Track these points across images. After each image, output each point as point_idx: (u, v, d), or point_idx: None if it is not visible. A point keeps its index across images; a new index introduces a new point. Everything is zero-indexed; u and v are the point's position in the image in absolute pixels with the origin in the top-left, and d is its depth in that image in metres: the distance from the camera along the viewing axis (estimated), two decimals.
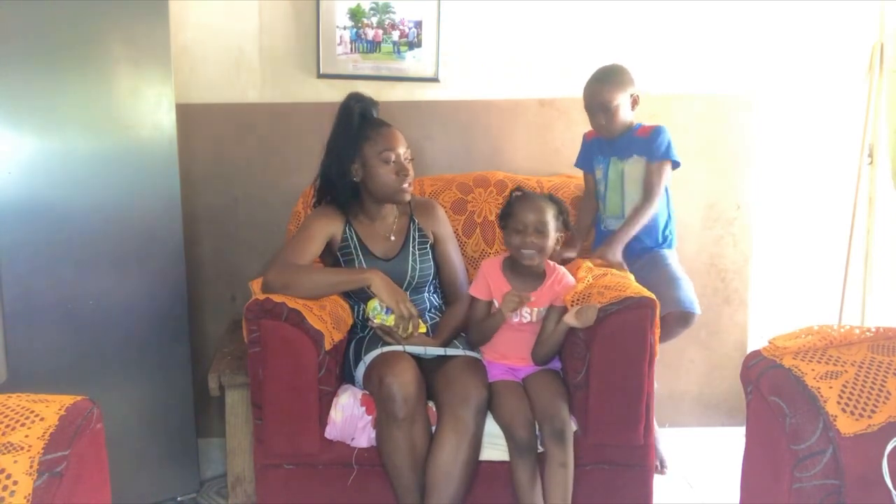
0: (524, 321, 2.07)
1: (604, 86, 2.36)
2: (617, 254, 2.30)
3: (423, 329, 2.13)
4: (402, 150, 2.15)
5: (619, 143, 2.43)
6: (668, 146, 2.36)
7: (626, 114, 2.39)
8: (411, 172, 2.17)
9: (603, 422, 1.96)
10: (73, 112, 2.14)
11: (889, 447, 1.20)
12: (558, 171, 2.67)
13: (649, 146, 2.36)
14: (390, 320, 2.06)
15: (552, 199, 2.10)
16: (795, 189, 2.79)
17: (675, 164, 2.38)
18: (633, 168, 2.41)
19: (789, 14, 2.67)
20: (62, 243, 2.14)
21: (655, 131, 2.37)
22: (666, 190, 2.41)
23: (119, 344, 2.26)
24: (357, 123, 2.16)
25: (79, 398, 1.26)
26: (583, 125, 2.45)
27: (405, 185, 2.15)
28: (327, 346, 1.99)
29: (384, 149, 2.13)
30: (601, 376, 1.97)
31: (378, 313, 2.08)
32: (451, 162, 2.70)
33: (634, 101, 2.40)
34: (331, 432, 2.02)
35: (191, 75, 2.57)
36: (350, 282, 2.12)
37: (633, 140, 2.40)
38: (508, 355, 2.08)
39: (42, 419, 1.18)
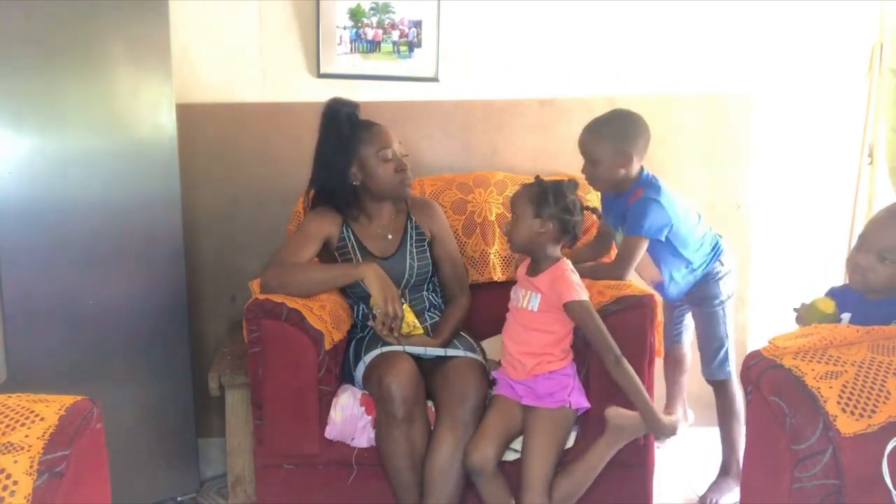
0: (517, 305, 2.03)
1: (588, 135, 2.21)
2: None
3: (419, 331, 2.13)
4: (397, 146, 2.17)
5: (615, 208, 2.28)
6: (644, 224, 2.15)
7: (613, 169, 2.18)
8: (408, 166, 2.19)
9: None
10: (73, 112, 2.14)
11: (889, 447, 1.20)
12: (558, 171, 2.66)
13: (627, 218, 2.20)
14: None
15: (536, 183, 2.00)
16: (795, 189, 2.78)
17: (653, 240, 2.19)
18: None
19: (789, 14, 2.66)
20: (62, 243, 2.14)
21: (637, 203, 2.16)
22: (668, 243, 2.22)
23: (119, 344, 2.26)
24: (346, 127, 2.15)
25: (79, 398, 1.26)
26: (582, 125, 2.43)
27: (406, 179, 2.17)
28: (327, 346, 1.99)
29: (381, 147, 2.14)
30: (601, 376, 1.97)
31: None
32: (450, 162, 2.70)
33: (625, 156, 2.17)
34: (331, 432, 2.02)
35: (191, 75, 2.56)
36: (345, 276, 2.11)
37: (625, 208, 2.22)
38: (508, 346, 2.05)
39: (42, 419, 1.18)
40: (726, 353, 2.37)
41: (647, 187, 2.21)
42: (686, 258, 2.26)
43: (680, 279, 2.29)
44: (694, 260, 2.27)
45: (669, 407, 2.66)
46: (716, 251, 2.32)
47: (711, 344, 2.38)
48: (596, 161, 2.19)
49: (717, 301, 2.34)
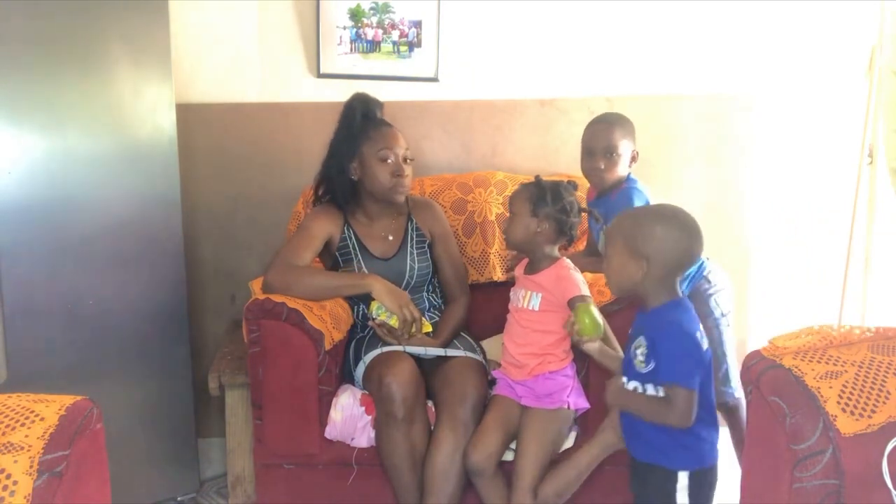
0: (517, 305, 2.03)
1: (614, 128, 2.20)
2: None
3: (428, 328, 2.13)
4: (401, 151, 2.16)
5: (599, 210, 2.25)
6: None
7: (625, 167, 2.23)
8: (408, 173, 2.17)
9: (602, 422, 1.96)
10: (74, 112, 2.14)
11: (889, 447, 1.20)
12: (558, 171, 2.66)
13: (612, 211, 2.19)
14: (394, 321, 2.06)
15: (534, 182, 2.00)
16: (795, 189, 2.78)
17: None
18: None
19: (789, 14, 2.66)
20: (62, 243, 2.14)
21: (622, 194, 2.20)
22: None
23: (119, 344, 2.26)
24: (359, 123, 2.17)
25: (79, 398, 1.26)
26: (582, 125, 2.43)
27: (400, 186, 2.15)
28: (327, 346, 1.99)
29: (382, 148, 2.14)
30: (601, 376, 1.97)
31: (383, 311, 2.07)
32: (451, 162, 2.70)
33: (634, 158, 2.24)
34: (331, 432, 2.03)
35: (191, 75, 2.56)
36: (351, 287, 2.12)
37: (608, 204, 2.23)
38: (509, 347, 2.04)
39: (42, 419, 1.18)
40: (727, 373, 2.30)
41: (629, 181, 2.26)
42: None
43: None
44: None
45: None
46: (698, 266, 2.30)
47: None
48: (618, 155, 2.19)
49: (711, 318, 2.28)
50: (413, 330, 2.06)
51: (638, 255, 1.60)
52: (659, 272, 1.60)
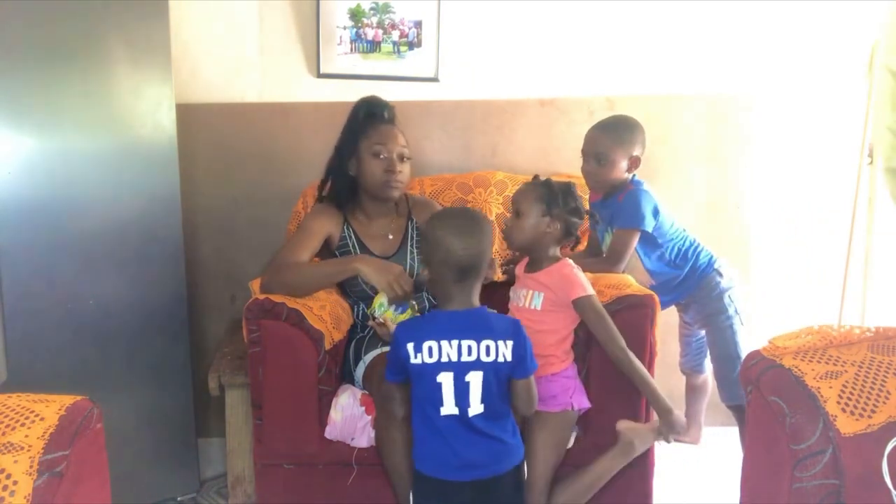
0: (518, 305, 2.03)
1: (604, 136, 2.25)
2: None
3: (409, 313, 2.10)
4: (396, 148, 2.16)
5: (601, 213, 2.34)
6: (639, 213, 2.23)
7: (620, 172, 2.26)
8: (402, 170, 2.17)
9: (603, 421, 1.96)
10: (74, 112, 2.14)
11: (889, 447, 1.20)
12: (558, 171, 2.66)
13: (619, 213, 2.27)
14: (400, 317, 2.05)
15: (544, 183, 2.00)
16: (795, 189, 2.79)
17: (646, 232, 2.26)
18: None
19: (789, 14, 2.67)
20: (62, 243, 2.14)
21: (630, 196, 2.26)
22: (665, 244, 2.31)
23: (119, 344, 2.26)
24: (361, 121, 2.19)
25: (79, 398, 1.26)
26: (583, 125, 2.44)
27: (391, 182, 2.16)
28: (327, 346, 1.99)
29: (376, 143, 2.16)
30: (601, 376, 1.97)
31: (384, 310, 2.06)
32: (451, 162, 2.70)
33: (633, 163, 2.27)
34: (331, 432, 2.02)
35: (191, 75, 2.57)
36: (340, 272, 2.11)
37: (615, 206, 2.29)
38: None
39: (42, 419, 1.18)
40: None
41: (635, 183, 2.31)
42: (662, 246, 2.31)
43: (660, 270, 2.33)
44: (669, 247, 2.31)
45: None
46: (697, 252, 2.33)
47: (725, 364, 2.33)
48: (608, 162, 2.25)
49: (724, 316, 2.31)
50: (409, 312, 2.03)
51: (425, 256, 1.75)
52: (437, 273, 1.71)
